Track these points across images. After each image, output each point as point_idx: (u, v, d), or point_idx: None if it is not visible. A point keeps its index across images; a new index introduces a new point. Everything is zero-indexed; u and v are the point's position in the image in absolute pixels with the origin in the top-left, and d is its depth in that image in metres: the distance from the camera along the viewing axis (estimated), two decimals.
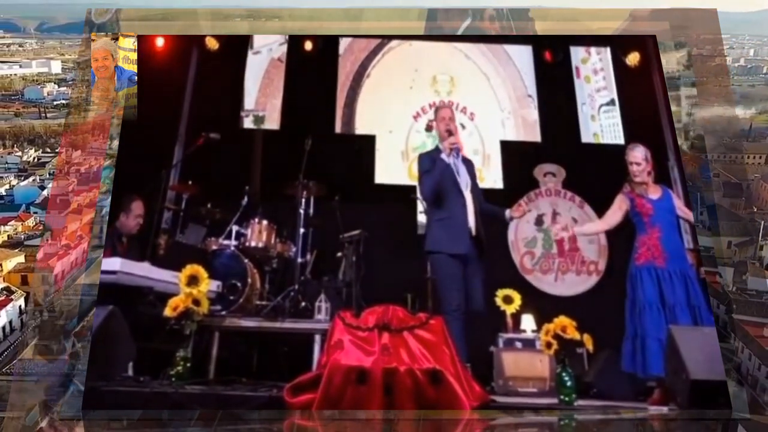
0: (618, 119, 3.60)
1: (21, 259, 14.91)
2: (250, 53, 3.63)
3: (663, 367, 2.86)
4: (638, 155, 3.23)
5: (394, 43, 3.68)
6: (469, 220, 3.24)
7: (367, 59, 3.67)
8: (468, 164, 3.37)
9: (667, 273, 3.05)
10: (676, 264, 3.07)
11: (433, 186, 3.28)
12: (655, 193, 3.20)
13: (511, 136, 3.63)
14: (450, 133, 3.33)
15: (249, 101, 3.63)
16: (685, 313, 2.98)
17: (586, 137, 3.60)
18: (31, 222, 18.34)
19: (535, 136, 3.64)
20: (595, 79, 3.69)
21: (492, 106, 3.64)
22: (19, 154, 30.32)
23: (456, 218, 3.23)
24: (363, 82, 3.65)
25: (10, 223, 18.01)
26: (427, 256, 3.18)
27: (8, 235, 17.18)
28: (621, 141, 3.53)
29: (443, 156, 3.30)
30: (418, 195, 3.36)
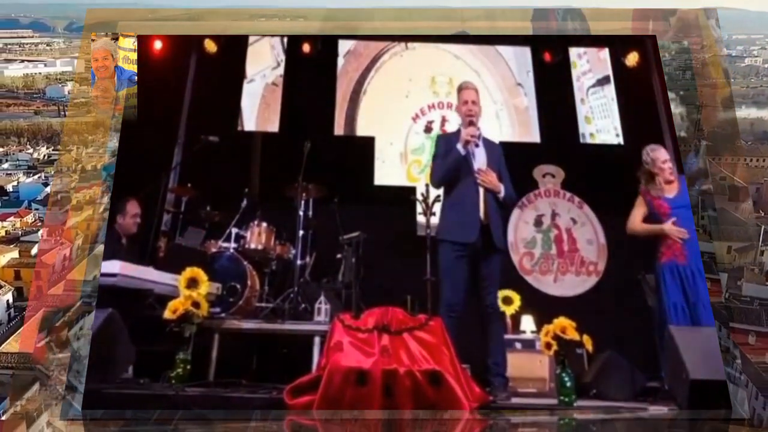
0: (606, 99, 3.63)
1: (15, 254, 14.96)
2: (244, 83, 3.64)
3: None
4: (665, 155, 3.21)
5: (385, 56, 3.72)
6: (480, 207, 3.18)
7: (362, 77, 3.70)
8: (491, 148, 3.27)
9: (689, 270, 3.04)
10: (698, 259, 3.05)
11: (443, 173, 3.23)
12: (671, 191, 3.19)
13: (506, 126, 3.65)
14: (471, 123, 3.24)
15: (248, 126, 3.66)
16: (708, 310, 2.96)
17: (579, 120, 3.62)
18: (29, 218, 18.40)
19: (527, 122, 3.67)
20: (579, 63, 3.72)
21: (485, 101, 3.63)
22: (30, 150, 30.49)
23: (467, 204, 3.17)
24: (360, 99, 3.67)
25: (9, 219, 18.06)
26: (438, 245, 3.12)
27: (6, 231, 17.23)
28: (611, 119, 3.57)
29: (459, 146, 3.22)
30: (418, 196, 3.35)
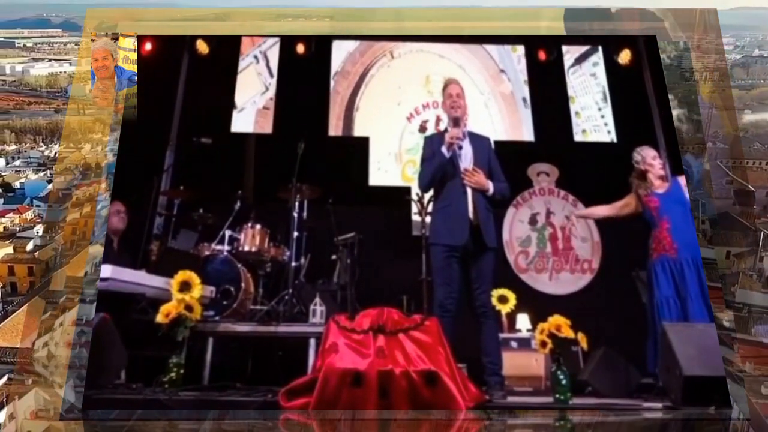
0: (585, 75, 3.68)
1: (9, 250, 14.91)
2: (234, 112, 3.63)
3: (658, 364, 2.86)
4: (653, 152, 3.24)
5: (373, 70, 3.74)
6: (469, 208, 3.17)
7: (353, 94, 3.71)
8: (479, 143, 3.26)
9: (679, 263, 3.04)
10: (688, 253, 3.04)
11: (429, 177, 3.22)
12: (662, 187, 3.20)
13: (495, 114, 3.67)
14: (456, 121, 3.24)
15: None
16: (699, 303, 2.96)
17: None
18: (29, 215, 18.39)
19: (514, 108, 3.69)
20: None
21: (473, 93, 3.64)
22: (42, 148, 30.48)
23: (455, 206, 3.16)
24: (354, 116, 3.67)
25: (8, 215, 18.05)
26: (429, 248, 3.11)
27: (4, 227, 17.19)
28: (592, 95, 3.64)
29: (443, 149, 3.21)
30: (413, 197, 3.34)
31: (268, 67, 3.70)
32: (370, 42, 3.76)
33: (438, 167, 3.21)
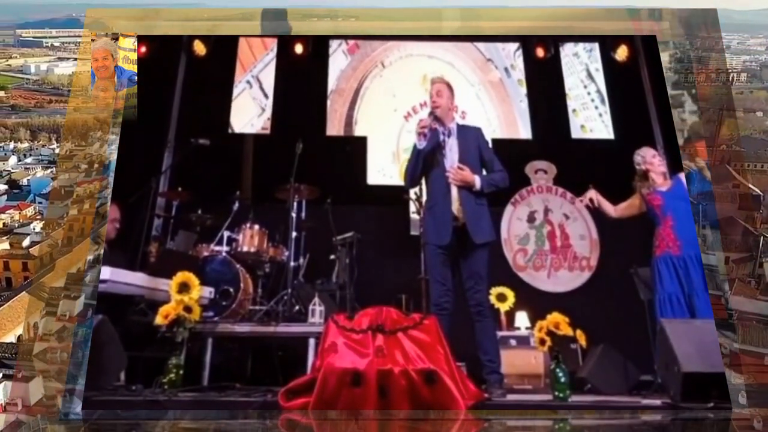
0: (568, 57, 3.73)
1: (6, 245, 14.98)
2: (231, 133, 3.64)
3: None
4: (652, 151, 3.25)
5: (367, 82, 3.74)
6: (454, 207, 3.12)
7: (350, 110, 3.71)
8: (466, 135, 3.21)
9: (683, 260, 3.04)
10: (691, 249, 3.04)
11: (411, 172, 3.20)
12: (664, 185, 3.21)
13: (487, 102, 3.69)
14: (432, 114, 3.18)
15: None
16: (703, 300, 2.95)
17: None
18: (29, 211, 18.47)
19: (505, 96, 3.71)
20: None
21: (464, 86, 3.64)
22: (54, 146, 30.53)
23: (440, 206, 3.12)
24: (354, 130, 3.68)
25: (8, 212, 18.14)
26: (425, 247, 3.10)
27: (3, 223, 17.28)
28: (577, 75, 3.69)
29: (416, 141, 3.16)
30: (412, 195, 3.34)
31: (261, 89, 3.71)
32: (361, 56, 3.76)
33: (414, 159, 3.16)
